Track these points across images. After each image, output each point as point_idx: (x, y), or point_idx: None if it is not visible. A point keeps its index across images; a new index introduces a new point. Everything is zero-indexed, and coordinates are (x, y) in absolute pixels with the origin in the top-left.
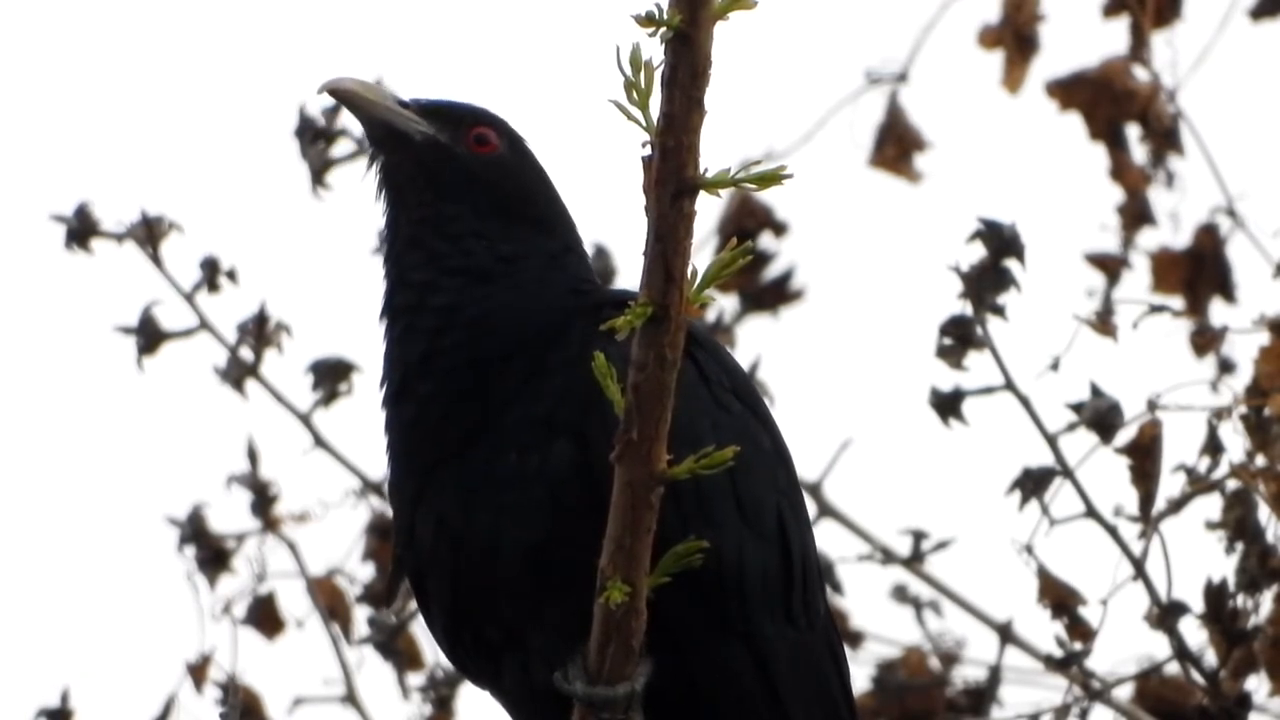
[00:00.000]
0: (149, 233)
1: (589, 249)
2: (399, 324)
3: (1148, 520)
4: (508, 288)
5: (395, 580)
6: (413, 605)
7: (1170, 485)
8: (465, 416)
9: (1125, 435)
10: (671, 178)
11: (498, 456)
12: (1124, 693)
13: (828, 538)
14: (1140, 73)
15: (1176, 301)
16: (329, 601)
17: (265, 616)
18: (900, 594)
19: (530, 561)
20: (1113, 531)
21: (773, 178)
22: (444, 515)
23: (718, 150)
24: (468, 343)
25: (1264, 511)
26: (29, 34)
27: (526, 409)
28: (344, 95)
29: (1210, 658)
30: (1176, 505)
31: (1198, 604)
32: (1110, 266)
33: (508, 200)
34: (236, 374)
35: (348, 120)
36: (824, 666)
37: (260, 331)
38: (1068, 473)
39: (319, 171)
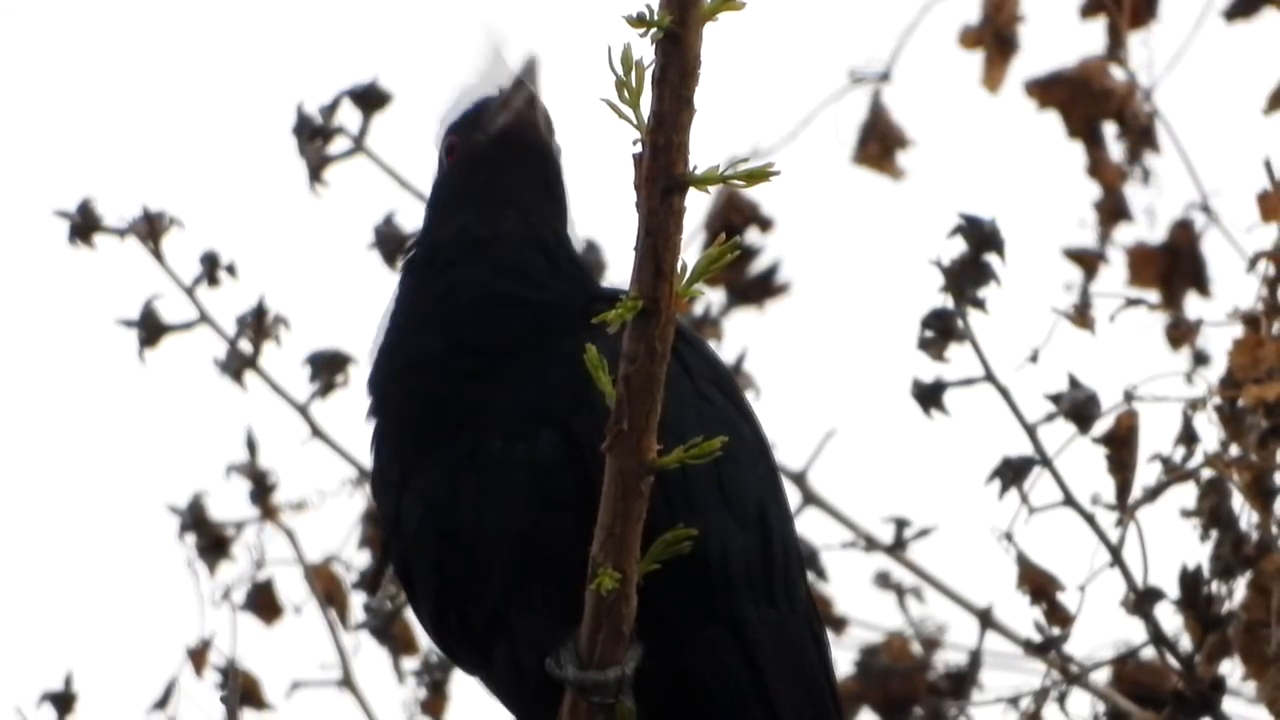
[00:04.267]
0: (150, 228)
1: (581, 245)
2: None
3: (1124, 508)
4: (522, 280)
5: (380, 567)
6: None
7: (1146, 474)
8: (462, 401)
9: (1103, 426)
10: (662, 175)
11: (484, 443)
12: (1101, 676)
13: (812, 525)
14: (1117, 72)
15: (1152, 295)
16: (326, 588)
17: (264, 602)
18: (883, 580)
19: (513, 549)
20: (1090, 519)
21: (760, 174)
22: (430, 501)
23: (706, 148)
24: (478, 328)
25: (1238, 500)
26: (29, 34)
27: (516, 397)
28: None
29: (1185, 642)
30: (1152, 494)
31: (1173, 590)
32: (1088, 261)
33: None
34: (236, 366)
35: (344, 119)
36: (805, 647)
37: (259, 325)
38: (1046, 462)
39: (316, 168)
